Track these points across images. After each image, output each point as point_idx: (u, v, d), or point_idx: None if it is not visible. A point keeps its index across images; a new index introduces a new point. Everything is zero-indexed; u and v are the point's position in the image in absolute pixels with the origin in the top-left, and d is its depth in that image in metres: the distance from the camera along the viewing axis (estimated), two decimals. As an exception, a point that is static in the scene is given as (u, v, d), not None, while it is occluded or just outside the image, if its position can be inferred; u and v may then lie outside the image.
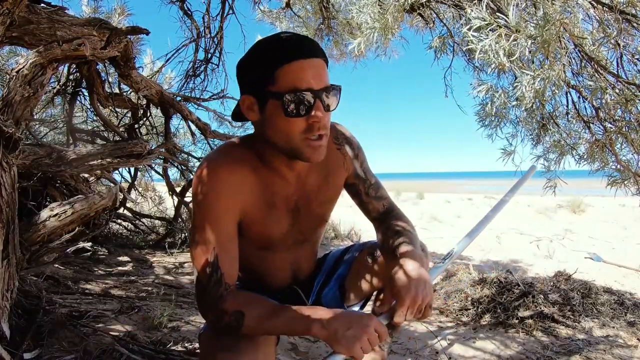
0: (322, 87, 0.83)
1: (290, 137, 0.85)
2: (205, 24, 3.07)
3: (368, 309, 1.25)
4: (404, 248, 0.95)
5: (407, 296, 0.84)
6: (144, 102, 3.03)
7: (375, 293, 1.18)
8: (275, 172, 0.95)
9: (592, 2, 1.24)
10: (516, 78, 1.27)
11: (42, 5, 1.72)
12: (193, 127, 3.28)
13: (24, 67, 1.57)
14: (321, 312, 0.82)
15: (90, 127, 3.49)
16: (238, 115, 0.99)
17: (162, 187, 4.09)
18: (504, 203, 1.16)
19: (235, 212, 0.91)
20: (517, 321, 2.09)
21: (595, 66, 1.33)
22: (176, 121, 3.59)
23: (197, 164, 2.93)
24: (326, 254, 1.28)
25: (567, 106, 1.53)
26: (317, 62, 0.84)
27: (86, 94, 2.83)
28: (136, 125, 3.05)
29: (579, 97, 1.50)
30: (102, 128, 3.34)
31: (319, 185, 1.02)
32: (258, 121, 0.89)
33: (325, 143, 0.88)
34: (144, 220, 4.09)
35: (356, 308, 1.19)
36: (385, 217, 1.11)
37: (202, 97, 3.38)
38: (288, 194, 0.98)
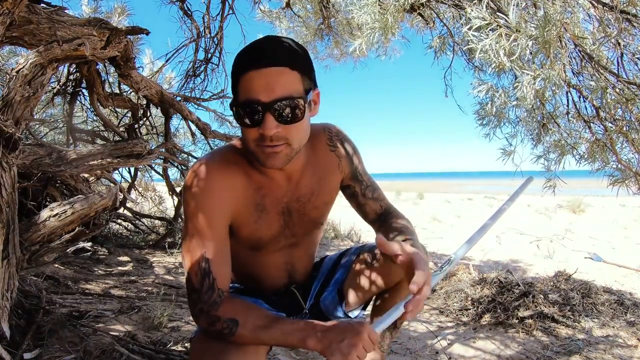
0: (272, 99, 0.80)
1: (248, 143, 0.87)
2: (205, 24, 3.07)
3: (369, 311, 1.24)
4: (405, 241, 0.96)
5: (419, 265, 0.83)
6: (144, 102, 3.03)
7: (374, 297, 1.17)
8: (266, 175, 0.95)
9: (593, 1, 1.24)
10: (516, 78, 1.27)
11: (42, 5, 1.72)
12: (193, 127, 3.29)
13: (24, 67, 1.57)
14: (316, 325, 0.81)
15: (90, 127, 3.50)
16: None
17: (162, 187, 4.10)
18: (502, 212, 1.16)
19: (227, 214, 0.91)
20: (517, 321, 2.09)
21: (596, 66, 1.32)
22: (176, 121, 3.61)
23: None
24: (323, 257, 1.27)
25: (568, 106, 1.53)
26: (270, 72, 0.80)
27: (86, 94, 2.83)
28: (136, 125, 3.05)
29: (579, 97, 1.50)
30: (102, 128, 3.35)
31: (312, 188, 1.02)
32: None
33: (285, 151, 0.86)
34: (144, 220, 4.10)
35: (356, 312, 1.18)
36: (384, 218, 1.10)
37: (202, 97, 3.39)
38: (278, 197, 0.98)
